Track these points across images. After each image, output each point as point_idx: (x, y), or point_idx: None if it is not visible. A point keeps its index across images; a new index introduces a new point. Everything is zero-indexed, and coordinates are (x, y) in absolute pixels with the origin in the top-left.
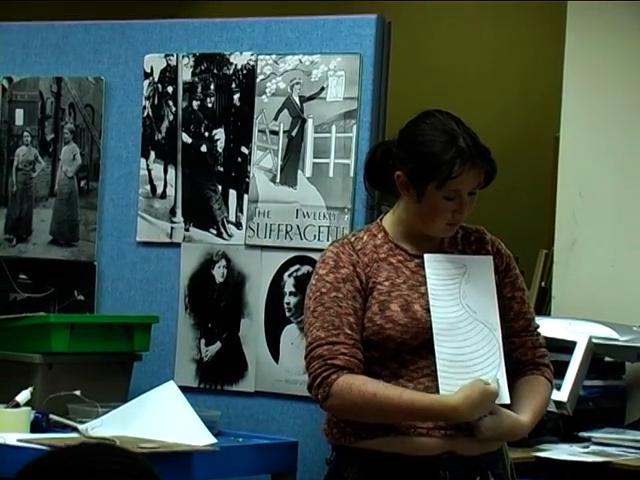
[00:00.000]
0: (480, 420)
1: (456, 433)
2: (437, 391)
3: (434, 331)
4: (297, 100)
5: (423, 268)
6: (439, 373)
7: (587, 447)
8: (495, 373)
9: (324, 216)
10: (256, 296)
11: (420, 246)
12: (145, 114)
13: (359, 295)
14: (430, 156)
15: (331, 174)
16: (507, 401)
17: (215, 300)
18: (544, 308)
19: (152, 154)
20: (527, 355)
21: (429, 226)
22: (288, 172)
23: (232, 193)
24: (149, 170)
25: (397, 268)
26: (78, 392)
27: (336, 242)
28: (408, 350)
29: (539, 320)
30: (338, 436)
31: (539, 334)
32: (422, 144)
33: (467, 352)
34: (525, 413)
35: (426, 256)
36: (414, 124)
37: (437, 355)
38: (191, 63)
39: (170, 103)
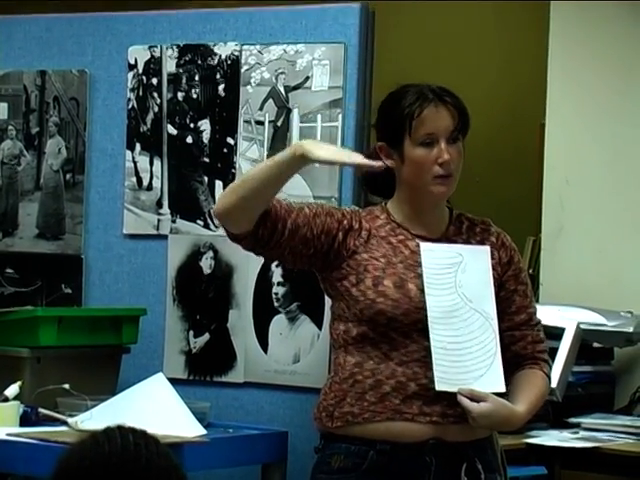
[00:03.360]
0: (475, 408)
1: (443, 420)
2: (427, 378)
3: (429, 319)
4: (282, 90)
5: None
6: (434, 361)
7: (577, 433)
8: (491, 361)
9: None
10: (244, 287)
11: (424, 228)
12: (130, 106)
13: (329, 228)
14: (397, 110)
15: (317, 164)
16: (502, 389)
17: (203, 291)
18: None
19: (137, 146)
20: (527, 349)
21: (419, 186)
22: None
23: (218, 184)
24: (135, 162)
25: (396, 248)
26: (67, 385)
27: None
28: (399, 330)
29: None
30: (326, 420)
31: (540, 329)
32: (391, 102)
33: (463, 341)
34: (521, 403)
35: (422, 245)
36: (389, 93)
37: (432, 344)
38: (175, 54)
39: (155, 95)
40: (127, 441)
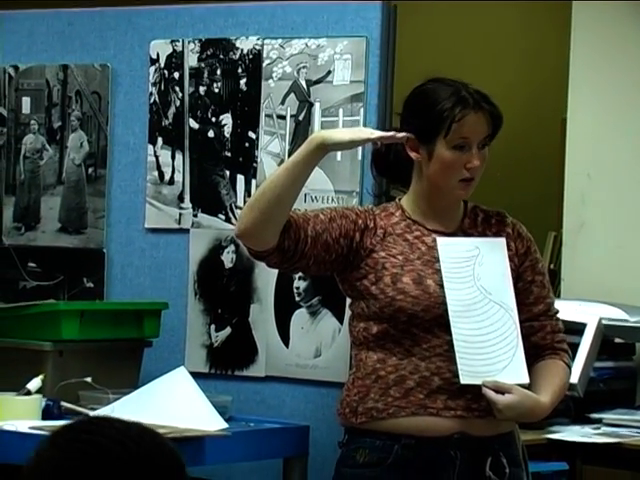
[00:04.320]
0: (500, 400)
1: (467, 414)
2: (450, 372)
3: (450, 314)
4: (304, 84)
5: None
6: (457, 355)
7: (598, 428)
8: (513, 353)
9: (332, 200)
10: (265, 281)
11: (439, 222)
12: (152, 100)
13: (346, 230)
14: (434, 107)
15: (339, 158)
16: (526, 381)
17: (224, 285)
18: (553, 290)
19: (159, 140)
20: (546, 339)
21: (443, 186)
22: None
23: (240, 178)
24: (157, 156)
25: (412, 244)
26: (89, 379)
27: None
28: (420, 326)
29: None
30: (350, 416)
31: (558, 319)
32: (426, 99)
33: (484, 333)
34: (545, 394)
35: (438, 240)
36: (418, 87)
37: (454, 337)
38: (197, 49)
39: (177, 89)
40: (126, 433)
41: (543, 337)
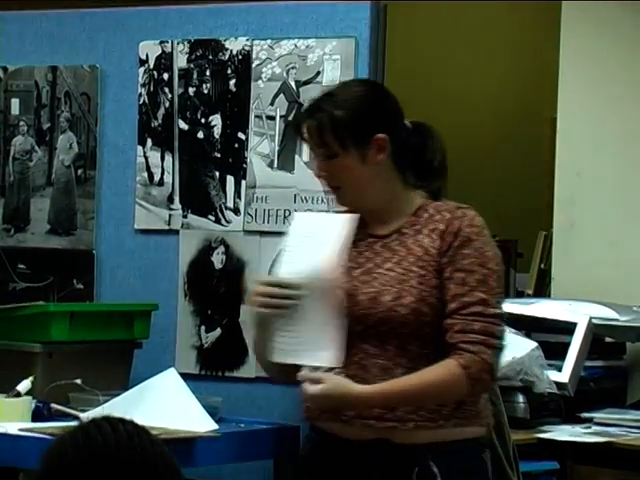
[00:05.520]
0: (308, 390)
1: (379, 423)
2: (365, 381)
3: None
4: (293, 85)
5: (368, 249)
6: (274, 332)
7: (589, 428)
8: (323, 335)
9: (322, 200)
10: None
11: (376, 226)
12: (141, 101)
13: None
14: (393, 100)
15: None
16: (333, 364)
17: (214, 286)
18: (544, 290)
19: (149, 141)
20: (453, 338)
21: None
22: (285, 157)
23: (230, 179)
24: (146, 157)
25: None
26: (79, 381)
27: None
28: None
29: (539, 302)
30: (303, 409)
31: (482, 320)
32: (386, 95)
33: (298, 311)
34: (371, 387)
35: (295, 214)
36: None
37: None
38: (186, 49)
39: (166, 90)
40: (119, 431)
41: (451, 336)
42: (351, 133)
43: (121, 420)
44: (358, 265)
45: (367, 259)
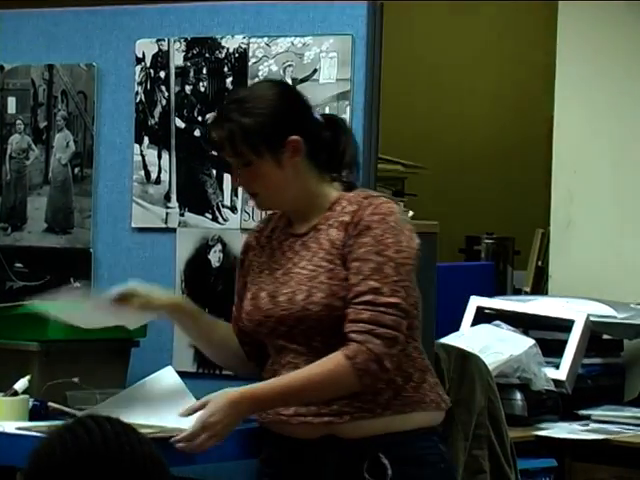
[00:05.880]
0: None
1: (316, 419)
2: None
3: None
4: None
5: (290, 249)
6: None
7: (586, 425)
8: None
9: None
10: None
11: (298, 224)
12: (138, 100)
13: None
14: (307, 104)
15: None
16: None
17: (212, 285)
18: (541, 287)
19: (146, 140)
20: (345, 328)
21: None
22: None
23: (227, 177)
24: (143, 156)
25: (275, 251)
26: (76, 379)
27: (386, 197)
28: (267, 338)
29: (536, 299)
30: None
31: (371, 309)
32: (299, 97)
33: None
34: (261, 383)
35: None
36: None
37: None
38: (183, 48)
39: (163, 88)
40: (106, 430)
41: (345, 326)
42: (263, 140)
43: (108, 419)
44: (280, 266)
45: (288, 259)
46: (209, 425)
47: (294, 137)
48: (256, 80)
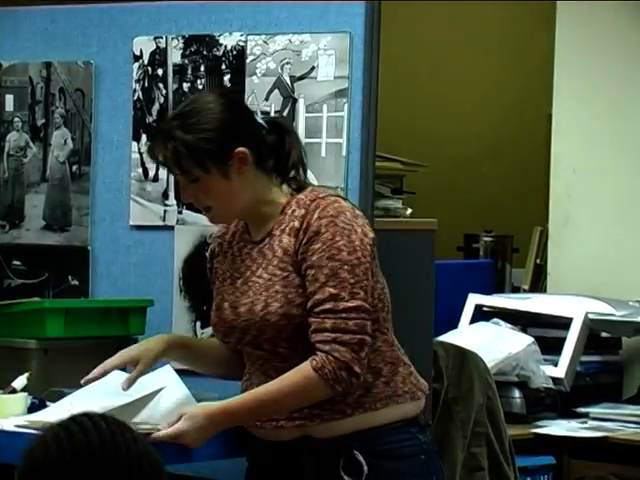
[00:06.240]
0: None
1: (288, 423)
2: None
3: None
4: (288, 80)
5: (248, 257)
6: None
7: (585, 422)
8: None
9: None
10: None
11: (254, 232)
12: (135, 97)
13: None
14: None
15: (323, 154)
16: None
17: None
18: (540, 285)
19: (143, 137)
20: (311, 338)
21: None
22: None
23: None
24: (141, 153)
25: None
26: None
27: (333, 195)
28: (241, 344)
29: (535, 297)
30: None
31: (333, 317)
32: (247, 109)
33: None
34: (234, 398)
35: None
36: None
37: None
38: (180, 45)
39: (160, 86)
40: (102, 429)
41: (310, 337)
42: (209, 155)
43: (103, 417)
44: (240, 274)
45: (247, 267)
46: (181, 436)
47: (240, 149)
48: (254, 78)
